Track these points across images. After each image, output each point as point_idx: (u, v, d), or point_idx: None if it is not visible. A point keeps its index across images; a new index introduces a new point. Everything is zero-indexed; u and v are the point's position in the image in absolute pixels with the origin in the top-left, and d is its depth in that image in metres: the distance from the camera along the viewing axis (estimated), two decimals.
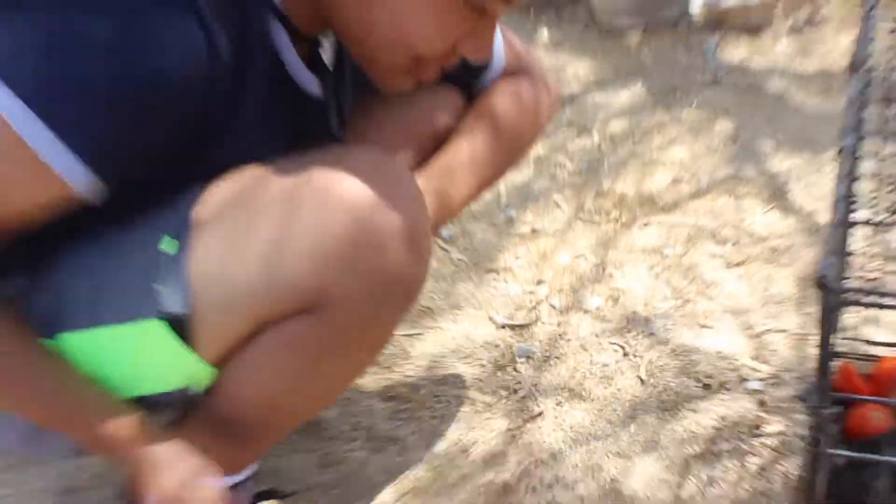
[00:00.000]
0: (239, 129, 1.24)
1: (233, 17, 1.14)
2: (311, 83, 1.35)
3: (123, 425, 1.24)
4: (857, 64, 1.35)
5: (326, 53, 1.42)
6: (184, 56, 1.08)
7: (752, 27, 3.32)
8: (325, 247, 1.19)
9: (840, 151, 1.07)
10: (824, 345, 0.88)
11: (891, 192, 1.68)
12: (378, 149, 1.34)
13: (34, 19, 1.04)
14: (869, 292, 0.86)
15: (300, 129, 1.37)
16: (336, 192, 1.20)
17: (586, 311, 2.14)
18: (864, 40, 1.46)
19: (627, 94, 3.01)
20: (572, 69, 3.18)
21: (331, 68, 1.43)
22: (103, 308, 1.21)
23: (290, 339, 1.26)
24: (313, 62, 1.37)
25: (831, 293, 0.85)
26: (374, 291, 1.24)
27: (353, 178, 1.21)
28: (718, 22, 3.37)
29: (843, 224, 0.97)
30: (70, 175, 1.08)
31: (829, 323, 0.86)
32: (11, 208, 1.13)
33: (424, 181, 1.54)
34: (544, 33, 3.38)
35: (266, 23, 1.23)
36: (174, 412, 1.34)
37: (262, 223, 1.19)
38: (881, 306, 0.82)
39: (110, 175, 1.12)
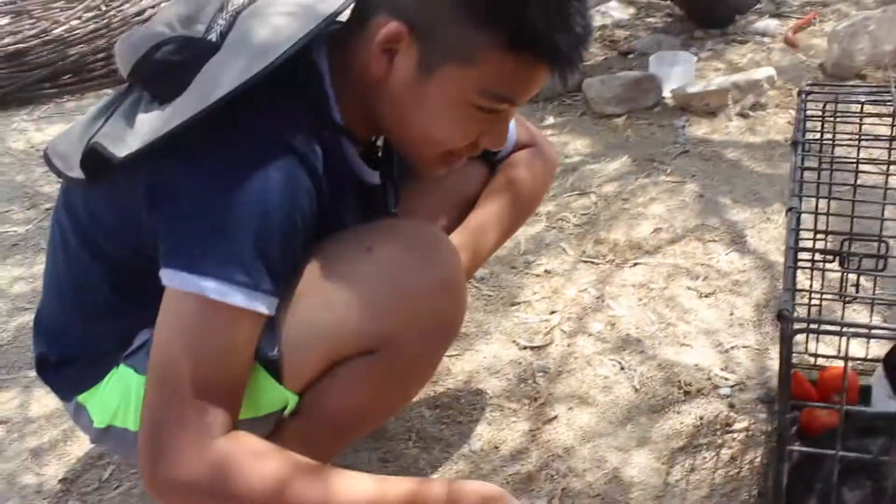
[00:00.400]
0: (341, 224, 1.30)
1: (320, 144, 1.18)
2: (370, 175, 1.36)
3: (424, 491, 1.18)
4: (797, 142, 1.32)
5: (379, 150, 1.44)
6: (304, 195, 1.15)
7: (711, 110, 3.30)
8: (384, 301, 1.22)
9: (788, 210, 1.04)
10: (784, 364, 0.83)
11: (822, 239, 1.64)
12: (419, 219, 1.38)
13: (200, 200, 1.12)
14: (817, 321, 0.82)
15: (368, 211, 1.37)
16: (387, 257, 1.24)
17: (590, 335, 2.09)
18: (799, 122, 1.44)
19: (616, 164, 2.97)
20: (573, 146, 3.15)
21: (383, 160, 1.44)
22: None
23: (360, 372, 1.27)
24: (370, 158, 1.38)
25: (789, 323, 0.81)
26: (422, 332, 1.27)
27: (400, 244, 1.26)
28: (685, 106, 3.35)
29: (793, 267, 0.93)
30: (272, 308, 1.14)
31: (787, 347, 0.82)
32: (248, 362, 1.16)
33: (459, 238, 1.57)
34: (550, 119, 3.37)
35: (338, 138, 1.25)
36: (269, 428, 1.31)
37: (334, 286, 1.21)
38: (827, 332, 0.78)
39: (284, 292, 1.18)
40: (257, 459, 1.11)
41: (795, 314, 0.87)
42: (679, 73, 3.52)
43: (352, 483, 1.15)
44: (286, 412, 1.28)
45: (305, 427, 1.31)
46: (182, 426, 1.09)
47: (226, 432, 1.12)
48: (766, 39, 3.98)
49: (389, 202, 1.46)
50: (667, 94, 3.44)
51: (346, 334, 1.24)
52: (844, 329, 0.76)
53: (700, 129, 3.22)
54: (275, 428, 1.32)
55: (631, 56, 3.93)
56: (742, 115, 3.29)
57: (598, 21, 4.47)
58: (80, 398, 1.35)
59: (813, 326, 0.89)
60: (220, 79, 1.11)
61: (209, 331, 1.10)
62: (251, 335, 1.14)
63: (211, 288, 1.08)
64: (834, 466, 0.88)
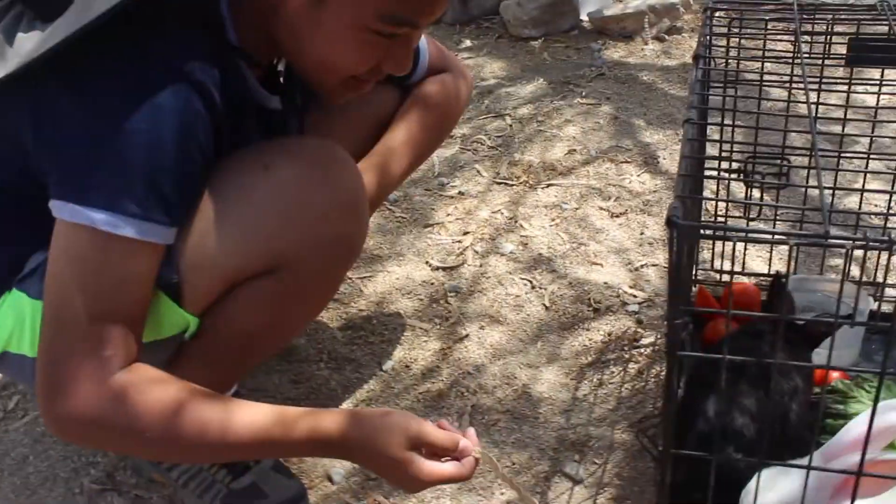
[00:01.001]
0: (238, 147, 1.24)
1: (216, 65, 1.12)
2: (270, 100, 1.31)
3: (323, 429, 1.14)
4: (698, 56, 1.30)
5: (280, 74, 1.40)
6: (199, 123, 1.09)
7: (627, 34, 3.30)
8: (281, 220, 1.20)
9: (685, 122, 1.02)
10: (673, 270, 0.82)
11: (729, 154, 1.65)
12: (318, 138, 1.34)
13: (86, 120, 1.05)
14: (704, 226, 0.81)
15: (268, 137, 1.32)
16: (285, 176, 1.20)
17: (502, 255, 2.08)
18: (703, 39, 1.42)
19: (532, 87, 2.95)
20: (489, 68, 3.11)
21: (284, 83, 1.39)
22: None
23: (260, 293, 1.24)
24: (269, 82, 1.33)
25: (677, 228, 0.80)
26: (322, 252, 1.25)
27: (299, 162, 1.23)
28: (602, 30, 3.34)
29: (686, 176, 0.92)
30: (168, 238, 1.11)
31: (677, 252, 0.81)
32: (146, 292, 1.12)
33: (369, 162, 1.54)
34: (467, 42, 3.32)
35: (235, 62, 1.20)
36: (171, 352, 1.27)
37: (230, 207, 1.17)
38: (713, 237, 0.77)
39: (183, 220, 1.14)
40: (155, 390, 1.08)
41: (685, 221, 0.87)
42: None
43: (251, 412, 1.13)
44: (187, 334, 1.25)
45: (207, 348, 1.28)
46: (78, 361, 1.06)
47: (124, 365, 1.08)
48: None
49: (291, 128, 1.42)
50: (584, 17, 3.43)
51: (245, 255, 1.20)
52: (728, 234, 0.75)
53: (616, 52, 3.21)
54: (177, 350, 1.28)
55: None
56: (658, 38, 3.29)
57: None
58: None
59: (703, 232, 0.88)
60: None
61: (101, 263, 1.06)
62: (146, 266, 1.10)
63: (100, 220, 1.04)
64: (722, 371, 0.88)
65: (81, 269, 1.06)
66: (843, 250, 0.78)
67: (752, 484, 1.06)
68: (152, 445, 1.12)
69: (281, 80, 1.39)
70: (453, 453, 1.17)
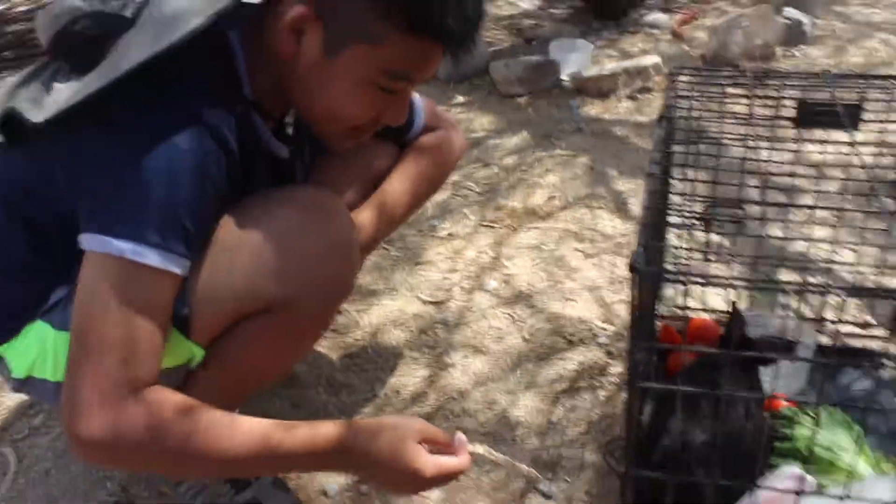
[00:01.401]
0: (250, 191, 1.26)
1: (232, 115, 1.14)
2: (280, 149, 1.34)
3: (319, 442, 1.13)
4: (662, 117, 1.33)
5: (290, 126, 1.42)
6: (214, 163, 1.11)
7: (604, 92, 3.33)
8: (282, 263, 1.20)
9: (648, 175, 1.05)
10: (635, 310, 0.84)
11: (692, 204, 1.67)
12: (315, 186, 1.36)
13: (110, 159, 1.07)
14: (662, 272, 0.83)
15: (278, 185, 1.34)
16: (284, 222, 1.22)
17: (486, 291, 2.10)
18: (669, 99, 1.45)
19: (517, 139, 2.98)
20: (478, 122, 3.14)
21: (293, 135, 1.42)
22: None
23: (260, 329, 1.25)
24: (280, 133, 1.36)
25: (640, 274, 0.82)
26: (316, 292, 1.25)
27: (297, 209, 1.24)
28: (580, 89, 3.38)
29: (647, 225, 0.94)
30: (186, 270, 1.11)
31: (640, 294, 0.83)
32: (165, 316, 1.12)
33: (368, 205, 1.55)
34: (459, 98, 3.36)
35: (250, 114, 1.22)
36: (177, 381, 1.28)
37: (235, 249, 1.18)
38: (673, 281, 0.79)
39: (198, 255, 1.14)
40: (177, 414, 1.07)
41: (648, 267, 0.89)
42: (576, 58, 3.54)
43: (252, 423, 1.12)
44: (193, 364, 1.26)
45: (212, 378, 1.28)
46: (102, 383, 1.05)
47: (150, 384, 1.08)
48: (655, 31, 4.03)
49: (298, 176, 1.44)
50: (565, 77, 3.46)
51: (247, 295, 1.21)
52: (685, 278, 0.77)
53: (593, 108, 3.25)
54: (184, 380, 1.29)
55: (534, 43, 3.94)
56: (631, 97, 3.32)
57: (506, 10, 4.48)
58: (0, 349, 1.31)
59: (666, 276, 0.90)
60: (130, 50, 1.08)
61: (126, 290, 1.06)
62: (167, 295, 1.10)
63: (126, 249, 1.05)
64: (678, 401, 0.89)
65: (107, 296, 1.06)
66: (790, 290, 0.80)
67: None
68: (170, 464, 1.11)
69: (290, 131, 1.41)
70: (451, 448, 1.18)
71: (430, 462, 1.15)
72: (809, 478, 1.02)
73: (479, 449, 1.21)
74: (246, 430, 1.10)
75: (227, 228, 1.20)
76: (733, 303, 1.50)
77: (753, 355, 1.37)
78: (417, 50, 1.16)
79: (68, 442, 1.07)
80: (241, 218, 1.20)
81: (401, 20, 1.13)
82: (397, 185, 1.59)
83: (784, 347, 1.40)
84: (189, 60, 1.11)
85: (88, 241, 1.08)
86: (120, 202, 1.06)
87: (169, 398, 1.09)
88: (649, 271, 0.83)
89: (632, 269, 0.84)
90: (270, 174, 1.34)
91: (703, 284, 0.79)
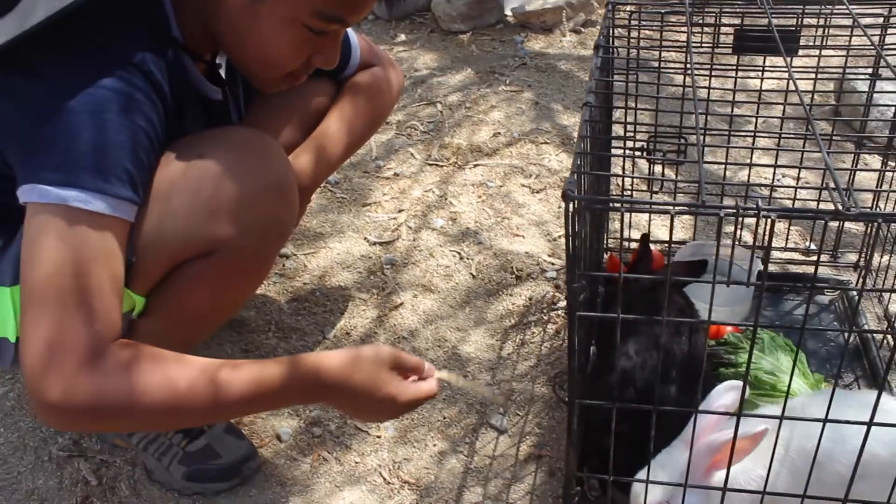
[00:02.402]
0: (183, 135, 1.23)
1: (161, 57, 1.11)
2: (213, 91, 1.31)
3: (302, 376, 1.11)
4: (598, 45, 1.31)
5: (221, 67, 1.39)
6: (150, 108, 1.08)
7: (547, 27, 3.30)
8: (218, 205, 1.18)
9: (584, 105, 1.04)
10: (569, 239, 0.84)
11: (631, 135, 1.67)
12: (249, 128, 1.33)
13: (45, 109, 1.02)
14: (594, 199, 0.83)
15: (211, 127, 1.31)
16: (220, 163, 1.19)
17: (433, 230, 2.09)
18: (604, 30, 1.43)
19: (461, 76, 2.94)
20: (422, 60, 3.09)
21: (226, 76, 1.39)
22: None
23: (201, 273, 1.22)
24: (212, 75, 1.33)
25: (571, 200, 0.81)
26: (255, 234, 1.23)
27: (231, 151, 1.21)
28: (524, 24, 3.34)
29: (581, 154, 0.93)
30: (133, 215, 1.08)
31: (572, 223, 0.83)
32: (120, 264, 1.07)
33: (305, 146, 1.53)
34: (402, 36, 3.30)
35: (179, 55, 1.19)
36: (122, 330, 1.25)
37: (170, 193, 1.15)
38: (602, 209, 0.79)
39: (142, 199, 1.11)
40: (153, 367, 1.03)
41: (579, 195, 0.88)
42: None
43: (238, 369, 1.09)
44: (134, 314, 1.23)
45: (156, 326, 1.25)
46: (70, 341, 1.00)
47: (114, 339, 1.04)
48: None
49: (233, 117, 1.41)
50: (508, 12, 3.42)
51: (185, 239, 1.18)
52: (614, 204, 0.77)
53: (537, 44, 3.22)
54: (127, 329, 1.27)
55: None
56: (574, 31, 3.30)
57: None
58: None
59: (593, 206, 0.90)
60: (41, 4, 1.03)
61: (76, 240, 1.02)
62: (120, 240, 1.06)
63: (69, 197, 1.01)
64: (617, 328, 0.90)
65: (57, 247, 1.01)
66: (725, 217, 0.80)
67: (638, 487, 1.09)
68: (154, 418, 1.06)
69: (222, 72, 1.37)
70: (422, 374, 1.19)
71: (404, 390, 1.15)
72: (737, 383, 1.05)
73: (445, 374, 1.22)
74: (233, 376, 1.07)
75: (162, 172, 1.17)
76: (643, 234, 1.52)
77: (684, 280, 1.39)
78: None
79: (38, 409, 1.00)
80: (176, 161, 1.17)
81: None
82: (334, 125, 1.57)
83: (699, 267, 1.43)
84: (114, 2, 1.07)
85: (28, 193, 1.03)
86: (56, 150, 1.02)
87: (142, 351, 1.05)
88: (580, 198, 0.83)
89: (564, 196, 0.84)
90: (205, 117, 1.31)
91: (636, 211, 0.78)
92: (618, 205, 0.80)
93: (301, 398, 1.15)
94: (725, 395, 1.05)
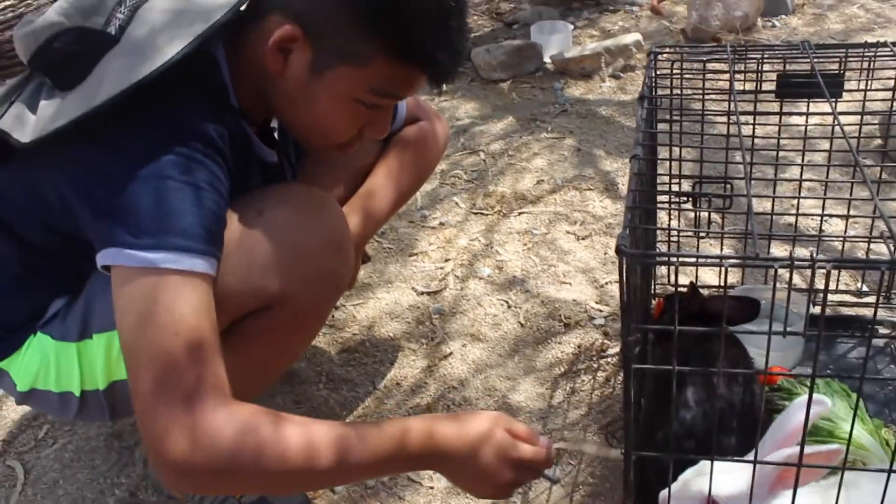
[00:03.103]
0: None
1: (223, 124, 1.14)
2: (268, 154, 1.34)
3: (419, 437, 1.11)
4: (643, 96, 1.33)
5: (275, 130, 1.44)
6: (220, 172, 1.11)
7: (586, 73, 3.33)
8: (277, 261, 1.20)
9: (632, 157, 1.05)
10: (624, 292, 0.85)
11: (676, 183, 1.68)
12: (305, 184, 1.36)
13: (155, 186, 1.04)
14: (647, 254, 0.84)
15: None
16: (277, 220, 1.22)
17: (480, 278, 2.10)
18: (648, 79, 1.45)
19: (502, 124, 2.98)
20: (463, 109, 3.14)
21: (279, 139, 1.43)
22: None
23: (259, 327, 1.25)
24: (265, 138, 1.37)
25: (625, 256, 0.82)
26: (312, 288, 1.26)
27: (289, 207, 1.24)
28: (563, 70, 3.38)
29: (632, 208, 0.95)
30: (215, 270, 1.09)
31: (628, 276, 0.84)
32: (214, 319, 1.07)
33: (354, 205, 1.56)
34: (442, 86, 3.34)
35: (239, 122, 1.22)
36: None
37: (233, 251, 1.16)
38: (656, 263, 0.80)
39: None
40: (278, 426, 1.03)
41: (633, 249, 0.90)
42: (557, 40, 3.53)
43: (375, 429, 1.10)
44: None
45: None
46: (185, 400, 0.98)
47: (226, 394, 1.03)
48: (634, 9, 4.03)
49: (287, 178, 1.45)
50: (547, 59, 3.46)
51: (245, 293, 1.21)
52: (671, 259, 0.78)
53: (577, 90, 3.25)
54: None
55: (515, 26, 3.94)
56: (614, 76, 3.33)
57: None
58: (2, 364, 1.31)
59: (646, 260, 0.91)
60: (112, 74, 1.08)
61: (173, 298, 1.02)
62: (210, 295, 1.07)
63: (158, 258, 1.02)
64: (673, 380, 0.90)
65: (155, 308, 1.01)
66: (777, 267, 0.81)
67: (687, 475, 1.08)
68: (284, 480, 1.05)
69: (275, 135, 1.42)
70: (535, 441, 1.18)
71: (525, 450, 1.15)
72: (827, 399, 1.02)
73: (562, 444, 1.21)
74: (372, 436, 1.08)
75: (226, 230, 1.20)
76: (691, 282, 1.52)
77: (740, 331, 1.38)
78: (403, 75, 1.17)
79: (163, 475, 1.00)
80: (237, 218, 1.21)
81: (389, 47, 1.14)
82: (381, 180, 1.60)
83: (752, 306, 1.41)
84: (178, 75, 1.11)
85: (113, 256, 1.04)
86: (134, 215, 1.04)
87: (263, 410, 1.05)
88: (635, 253, 0.84)
89: (618, 251, 0.85)
90: (263, 180, 1.35)
91: (687, 264, 0.79)
92: (673, 258, 0.81)
93: (426, 463, 1.15)
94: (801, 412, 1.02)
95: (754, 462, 0.97)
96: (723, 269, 0.85)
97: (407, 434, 1.11)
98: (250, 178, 1.29)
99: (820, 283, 1.78)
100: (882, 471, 0.91)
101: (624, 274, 0.84)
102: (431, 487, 1.52)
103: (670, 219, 1.98)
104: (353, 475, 1.14)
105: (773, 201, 1.72)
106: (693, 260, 1.48)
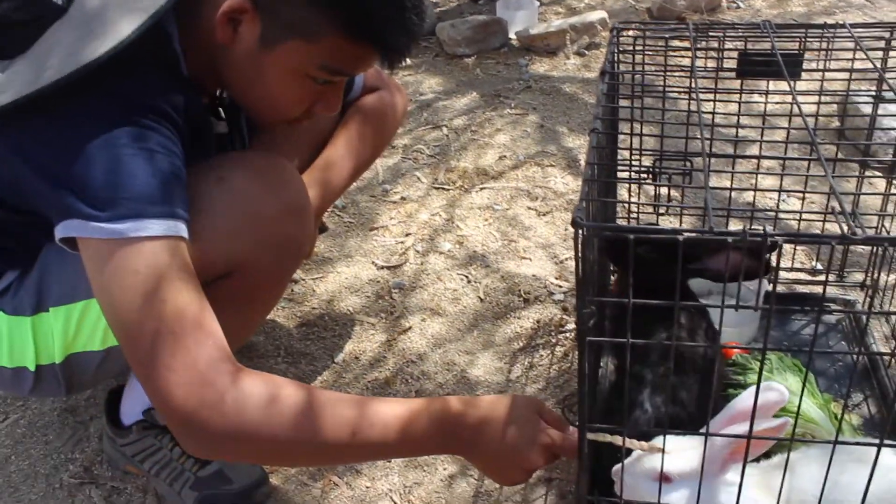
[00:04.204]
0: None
1: (179, 93, 1.12)
2: (218, 125, 1.34)
3: (434, 420, 1.10)
4: (604, 72, 1.33)
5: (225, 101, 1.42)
6: (175, 144, 1.09)
7: (552, 50, 3.33)
8: (234, 227, 1.19)
9: (591, 131, 1.05)
10: (579, 265, 0.85)
11: (637, 159, 1.68)
12: (264, 152, 1.34)
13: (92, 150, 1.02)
14: (603, 226, 0.84)
15: None
16: (236, 186, 1.20)
17: (440, 253, 2.10)
18: (609, 55, 1.45)
19: (466, 100, 2.97)
20: (427, 84, 3.12)
21: (229, 110, 1.41)
22: (81, 287, 1.13)
23: (220, 294, 1.20)
24: (216, 110, 1.36)
25: (580, 228, 0.83)
26: (272, 254, 1.25)
27: (248, 174, 1.23)
28: (528, 47, 3.37)
29: (589, 181, 0.95)
30: (186, 231, 1.07)
31: (582, 248, 0.84)
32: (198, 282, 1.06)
33: (310, 176, 1.55)
34: (406, 60, 3.31)
35: (191, 93, 1.19)
36: None
37: (193, 218, 1.12)
38: (613, 238, 0.80)
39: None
40: (285, 392, 1.03)
41: (588, 222, 0.90)
42: (523, 16, 3.52)
43: (385, 406, 1.09)
44: None
45: None
46: (206, 364, 0.99)
47: (229, 357, 1.03)
48: None
49: (237, 149, 1.43)
50: (512, 35, 3.45)
51: (206, 261, 1.18)
52: (627, 234, 0.78)
53: (542, 66, 3.24)
54: None
55: (480, 1, 3.91)
56: (578, 53, 3.33)
57: None
58: None
59: (603, 233, 0.91)
60: (60, 48, 1.05)
61: (153, 266, 1.01)
62: (185, 256, 1.06)
63: (127, 228, 1.00)
64: (627, 354, 0.91)
65: (137, 280, 1.00)
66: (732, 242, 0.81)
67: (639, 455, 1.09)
68: (300, 452, 1.07)
69: (226, 105, 1.39)
70: (564, 428, 1.17)
71: (552, 432, 1.14)
72: (786, 391, 1.04)
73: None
74: (378, 416, 1.07)
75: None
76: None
77: (702, 305, 1.40)
78: (354, 52, 1.16)
79: (197, 444, 1.02)
80: (196, 185, 1.19)
81: (341, 24, 1.12)
82: (340, 151, 1.59)
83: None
84: (127, 46, 1.08)
85: (77, 228, 1.02)
86: (92, 185, 1.02)
87: (276, 381, 1.05)
88: (590, 225, 0.84)
89: (573, 223, 0.85)
90: (216, 150, 1.33)
91: (644, 238, 0.80)
92: (629, 233, 0.81)
93: (454, 439, 1.13)
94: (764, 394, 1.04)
95: (706, 434, 0.99)
96: (680, 245, 0.85)
97: (434, 407, 1.10)
98: (208, 148, 1.28)
99: (773, 259, 1.80)
100: (828, 442, 0.93)
101: (579, 246, 0.84)
102: (389, 461, 1.52)
103: (630, 195, 1.99)
104: (375, 452, 1.12)
105: (732, 179, 1.73)
106: (653, 237, 1.49)
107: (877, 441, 0.92)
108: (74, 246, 1.05)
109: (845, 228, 0.82)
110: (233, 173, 1.22)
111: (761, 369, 0.90)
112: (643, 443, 1.05)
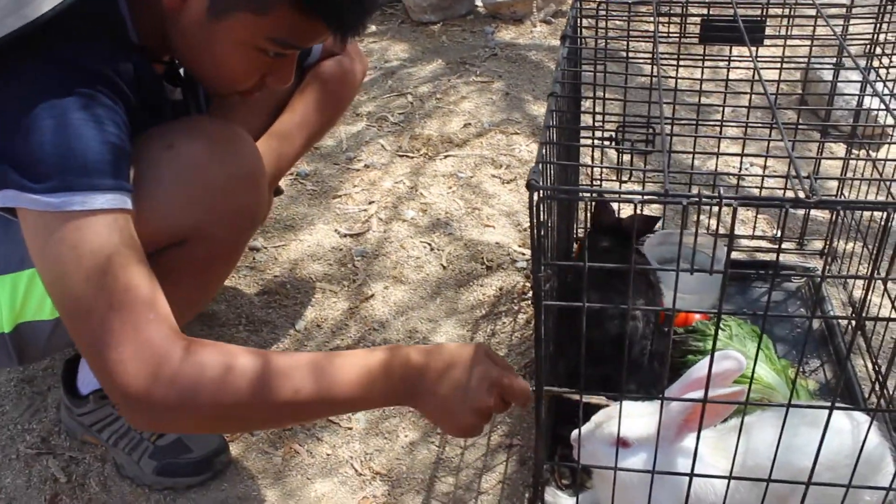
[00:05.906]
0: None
1: (124, 63, 1.09)
2: (172, 92, 1.31)
3: (387, 369, 1.07)
4: (565, 36, 1.32)
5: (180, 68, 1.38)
6: (115, 105, 1.05)
7: (518, 17, 3.31)
8: (186, 195, 1.17)
9: (550, 95, 1.04)
10: (534, 229, 0.84)
11: (600, 125, 1.67)
12: (217, 118, 1.32)
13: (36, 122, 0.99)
14: (558, 189, 0.83)
15: None
16: (188, 154, 1.18)
17: (404, 220, 2.08)
18: (571, 19, 1.44)
19: (431, 67, 2.94)
20: (392, 51, 3.09)
21: (185, 78, 1.38)
22: (28, 256, 1.08)
23: (173, 262, 1.20)
24: (170, 76, 1.33)
25: (535, 190, 0.81)
26: (226, 223, 1.23)
27: (200, 141, 1.20)
28: (495, 14, 3.34)
29: (546, 143, 0.93)
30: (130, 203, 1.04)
31: (536, 212, 0.83)
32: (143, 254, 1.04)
33: (265, 144, 1.51)
34: (372, 27, 3.28)
35: (139, 60, 1.15)
36: None
37: (139, 185, 1.10)
38: (566, 199, 0.79)
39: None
40: (237, 359, 1.01)
41: (545, 184, 0.89)
42: None
43: (342, 361, 1.07)
44: None
45: None
46: (157, 339, 0.98)
47: (173, 328, 1.01)
48: None
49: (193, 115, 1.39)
50: (478, 2, 3.42)
51: (157, 229, 1.16)
52: (584, 195, 0.77)
53: (508, 34, 3.22)
54: None
55: None
56: (545, 21, 3.30)
57: None
58: None
59: (558, 196, 0.90)
60: None
61: (91, 241, 0.98)
62: (130, 230, 1.03)
63: (62, 202, 0.97)
64: (583, 316, 0.90)
65: (81, 254, 0.98)
66: (690, 206, 0.80)
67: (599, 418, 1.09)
68: (243, 415, 1.04)
69: (181, 73, 1.36)
70: (514, 373, 1.14)
71: (498, 406, 1.10)
72: (743, 359, 1.05)
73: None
74: (344, 367, 1.06)
75: (134, 166, 1.15)
76: (601, 196, 1.53)
77: (649, 268, 1.40)
78: (305, 25, 1.13)
79: (145, 419, 1.01)
80: (145, 153, 1.16)
81: None
82: (297, 118, 1.56)
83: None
84: (70, 7, 1.05)
85: (14, 199, 1.00)
86: (30, 157, 0.99)
87: (222, 345, 1.04)
88: (545, 188, 0.83)
89: (528, 186, 0.84)
90: (169, 117, 1.30)
91: (602, 200, 0.79)
92: (584, 194, 0.80)
93: (397, 387, 1.09)
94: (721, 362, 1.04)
95: (661, 399, 0.99)
96: (636, 208, 0.85)
97: (380, 356, 1.08)
98: (163, 115, 1.24)
99: (742, 228, 1.81)
100: (781, 405, 0.93)
101: (533, 208, 0.83)
102: (350, 428, 1.52)
103: (592, 159, 1.99)
104: (323, 408, 1.09)
105: (695, 144, 1.73)
106: (610, 199, 1.49)
107: (829, 404, 0.93)
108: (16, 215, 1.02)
109: (801, 193, 0.82)
110: (183, 141, 1.19)
111: (716, 334, 0.90)
112: (601, 397, 1.05)
